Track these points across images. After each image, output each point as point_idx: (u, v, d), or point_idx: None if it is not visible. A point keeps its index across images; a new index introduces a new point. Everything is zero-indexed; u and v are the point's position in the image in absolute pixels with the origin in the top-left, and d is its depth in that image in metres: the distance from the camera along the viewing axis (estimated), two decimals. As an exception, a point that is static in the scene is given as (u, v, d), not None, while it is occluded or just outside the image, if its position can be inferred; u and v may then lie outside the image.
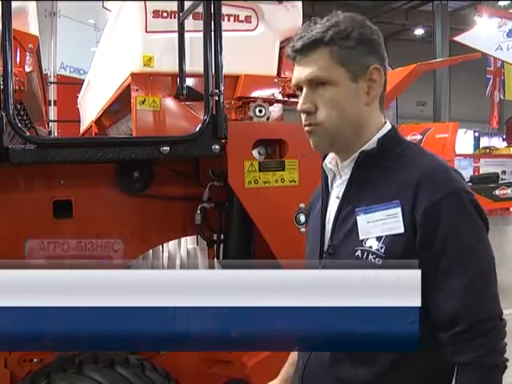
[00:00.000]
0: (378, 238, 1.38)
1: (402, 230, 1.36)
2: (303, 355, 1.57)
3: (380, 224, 1.39)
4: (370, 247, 1.39)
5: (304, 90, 1.47)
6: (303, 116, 1.50)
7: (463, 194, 1.37)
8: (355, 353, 1.42)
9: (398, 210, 1.36)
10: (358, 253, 1.40)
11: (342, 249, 1.46)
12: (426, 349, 1.37)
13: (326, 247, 1.51)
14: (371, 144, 1.48)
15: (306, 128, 1.50)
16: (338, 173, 1.55)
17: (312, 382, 1.53)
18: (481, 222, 1.39)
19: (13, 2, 2.30)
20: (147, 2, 3.00)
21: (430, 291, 1.35)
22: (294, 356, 1.81)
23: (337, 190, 1.54)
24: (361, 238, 1.41)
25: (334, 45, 1.43)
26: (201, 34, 2.63)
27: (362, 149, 1.48)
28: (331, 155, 1.57)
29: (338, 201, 1.51)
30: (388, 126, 1.52)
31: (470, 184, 9.38)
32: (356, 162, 1.48)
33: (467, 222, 1.36)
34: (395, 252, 1.36)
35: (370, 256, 1.38)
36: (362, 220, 1.42)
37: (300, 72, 1.48)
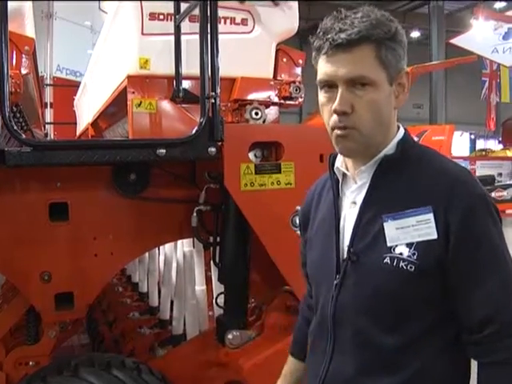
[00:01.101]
0: (409, 245, 1.36)
1: (435, 235, 1.34)
2: (316, 369, 1.53)
3: (411, 230, 1.36)
4: (401, 254, 1.36)
5: (340, 89, 1.38)
6: (335, 117, 1.40)
7: (488, 197, 1.39)
8: (386, 360, 1.40)
9: (431, 215, 1.34)
10: (387, 260, 1.37)
11: (366, 256, 1.42)
12: (452, 350, 1.40)
13: (344, 254, 1.47)
14: (391, 148, 1.46)
15: (339, 131, 1.40)
16: (353, 177, 1.51)
17: None
18: (500, 225, 1.40)
19: (9, 4, 2.29)
20: (143, 4, 3.00)
21: (461, 294, 1.36)
22: (288, 368, 1.82)
23: (351, 196, 1.50)
24: (389, 244, 1.38)
25: (381, 44, 1.37)
26: (197, 37, 2.63)
27: (383, 152, 1.45)
28: (341, 158, 1.53)
29: (356, 206, 1.47)
30: (402, 130, 1.51)
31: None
32: (378, 167, 1.45)
33: (493, 226, 1.37)
34: (428, 258, 1.34)
35: (402, 263, 1.36)
36: (390, 226, 1.39)
37: (337, 68, 1.37)
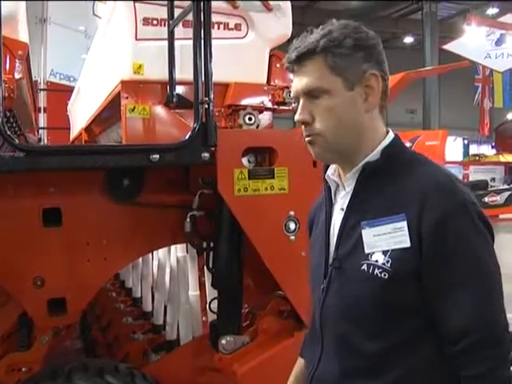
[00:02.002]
0: (384, 252, 1.36)
1: (408, 244, 1.33)
2: (310, 366, 1.56)
3: (386, 238, 1.36)
4: (376, 261, 1.36)
5: (301, 100, 1.47)
6: (302, 127, 1.48)
7: (470, 205, 1.35)
8: (368, 365, 1.41)
9: (404, 223, 1.34)
10: (364, 267, 1.38)
11: (347, 262, 1.43)
12: (434, 361, 1.37)
13: (330, 260, 1.49)
14: (375, 155, 1.46)
15: (306, 139, 1.48)
16: (342, 184, 1.52)
17: None
18: (487, 233, 1.37)
19: (2, 9, 2.29)
20: (137, 9, 3.00)
21: (438, 304, 1.34)
22: (299, 369, 1.79)
23: (341, 202, 1.52)
24: (366, 251, 1.39)
25: (327, 53, 1.41)
26: (191, 42, 2.63)
27: (366, 160, 1.45)
28: (333, 166, 1.55)
29: (343, 213, 1.49)
30: (391, 136, 1.50)
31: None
32: (360, 174, 1.46)
33: (475, 235, 1.34)
34: (402, 266, 1.34)
35: (377, 270, 1.35)
36: (368, 233, 1.40)
37: (297, 83, 1.47)
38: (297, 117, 1.47)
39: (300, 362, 1.80)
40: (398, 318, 1.37)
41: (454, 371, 1.34)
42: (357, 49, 1.42)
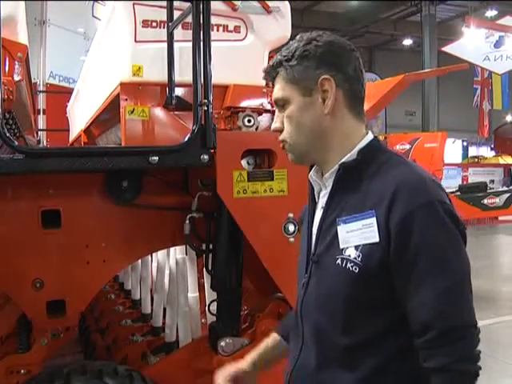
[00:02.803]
0: (356, 247, 1.43)
1: (377, 239, 1.39)
2: (293, 356, 1.62)
3: (358, 233, 1.43)
4: (349, 256, 1.43)
5: (276, 110, 1.61)
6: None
7: (438, 204, 1.39)
8: (341, 358, 1.47)
9: (373, 219, 1.40)
10: (339, 261, 1.45)
11: (325, 257, 1.51)
12: (407, 355, 1.42)
13: (311, 256, 1.57)
14: (352, 155, 1.53)
15: (281, 145, 1.61)
16: (323, 184, 1.59)
17: (300, 380, 1.58)
18: (456, 232, 1.41)
19: (2, 11, 2.29)
20: (136, 12, 3.00)
21: (405, 299, 1.39)
22: (266, 342, 1.88)
23: (322, 201, 1.59)
24: (341, 246, 1.46)
25: (283, 67, 1.55)
26: (190, 44, 2.64)
27: (343, 160, 1.53)
28: (316, 167, 1.62)
29: (322, 211, 1.57)
30: (369, 137, 1.56)
31: (458, 193, 9.41)
32: (337, 174, 1.53)
33: (441, 233, 1.38)
34: (371, 261, 1.40)
35: (349, 264, 1.43)
36: (342, 230, 1.47)
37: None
38: (271, 126, 1.63)
39: (271, 336, 1.90)
40: (370, 312, 1.44)
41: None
42: (306, 57, 1.52)
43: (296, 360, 1.60)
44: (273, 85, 1.63)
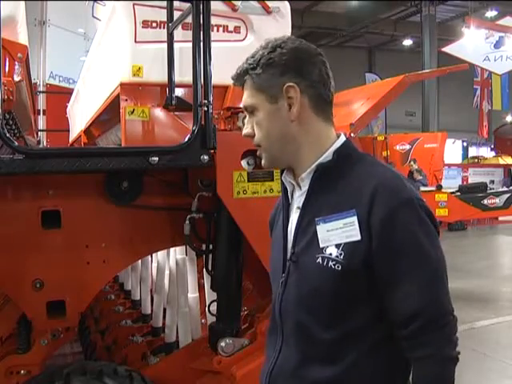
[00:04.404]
0: (337, 246, 1.46)
1: (358, 237, 1.43)
2: (271, 356, 1.64)
3: (339, 232, 1.46)
4: (330, 254, 1.46)
5: (246, 116, 1.65)
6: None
7: (416, 201, 1.46)
8: (321, 354, 1.51)
9: (355, 218, 1.44)
10: (319, 260, 1.48)
11: (304, 256, 1.53)
12: (383, 347, 1.49)
13: (288, 255, 1.59)
14: (327, 156, 1.56)
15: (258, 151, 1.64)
16: (298, 185, 1.62)
17: (280, 380, 1.60)
18: (432, 227, 1.48)
19: (2, 12, 2.29)
20: (136, 12, 3.00)
21: (389, 292, 1.45)
22: None
23: (297, 201, 1.61)
24: (321, 245, 1.49)
25: (249, 75, 1.58)
26: (190, 45, 2.64)
27: (319, 161, 1.56)
28: (289, 169, 1.65)
29: (299, 211, 1.59)
30: (342, 139, 1.60)
31: (458, 194, 9.42)
32: (314, 174, 1.56)
33: (421, 228, 1.44)
34: (354, 258, 1.44)
35: (331, 262, 1.46)
36: (322, 229, 1.50)
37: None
38: (243, 131, 1.65)
39: None
40: (352, 307, 1.48)
41: (401, 355, 1.48)
42: (271, 66, 1.54)
43: (275, 360, 1.61)
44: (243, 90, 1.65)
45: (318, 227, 1.50)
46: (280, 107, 1.55)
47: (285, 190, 1.67)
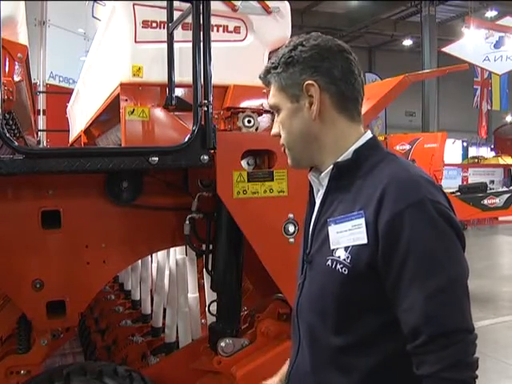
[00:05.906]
0: (346, 248, 1.40)
1: (365, 240, 1.36)
2: (293, 356, 1.62)
3: (347, 234, 1.40)
4: (339, 257, 1.41)
5: (275, 116, 1.63)
6: None
7: (428, 203, 1.33)
8: (335, 360, 1.45)
9: (362, 220, 1.37)
10: (329, 262, 1.43)
11: (317, 258, 1.50)
12: (401, 359, 1.35)
13: (306, 256, 1.57)
14: (347, 155, 1.51)
15: (282, 149, 1.63)
16: (320, 184, 1.59)
17: (297, 381, 1.58)
18: (449, 231, 1.35)
19: (2, 12, 2.29)
20: (136, 12, 3.00)
21: (395, 302, 1.34)
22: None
23: (318, 201, 1.59)
24: (331, 247, 1.44)
25: (271, 75, 1.57)
26: (190, 45, 2.64)
27: (337, 160, 1.52)
28: (314, 167, 1.62)
29: (316, 211, 1.57)
30: (367, 136, 1.55)
31: (458, 194, 9.40)
32: (331, 174, 1.53)
33: (430, 232, 1.32)
34: (360, 262, 1.36)
35: (338, 265, 1.40)
36: (333, 230, 1.45)
37: None
38: (271, 131, 1.64)
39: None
40: (360, 314, 1.41)
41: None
42: (291, 65, 1.52)
43: (294, 361, 1.60)
44: None
45: (330, 228, 1.46)
46: (301, 106, 1.53)
47: (311, 189, 1.65)
